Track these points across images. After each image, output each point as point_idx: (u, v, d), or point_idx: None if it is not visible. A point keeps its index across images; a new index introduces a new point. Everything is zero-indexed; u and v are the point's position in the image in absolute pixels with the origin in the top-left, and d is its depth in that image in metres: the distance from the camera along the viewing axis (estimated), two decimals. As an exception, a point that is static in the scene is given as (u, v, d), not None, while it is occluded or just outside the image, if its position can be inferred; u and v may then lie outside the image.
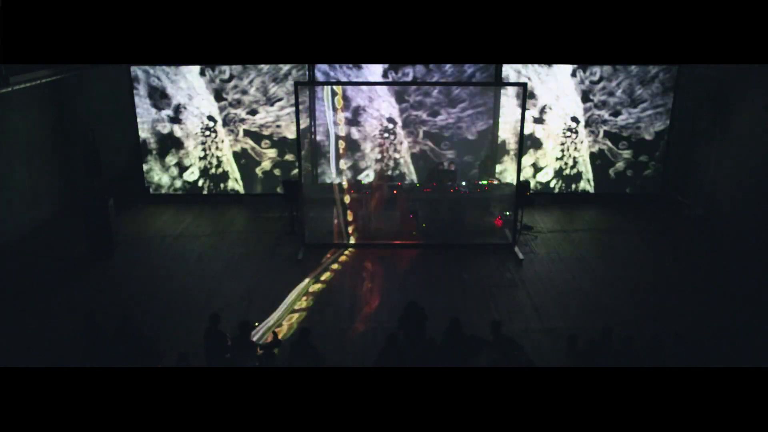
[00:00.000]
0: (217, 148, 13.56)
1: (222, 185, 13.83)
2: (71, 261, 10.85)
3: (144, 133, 13.43)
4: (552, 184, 13.90)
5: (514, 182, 11.43)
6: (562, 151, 13.65)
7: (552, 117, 13.43)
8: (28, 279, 10.12)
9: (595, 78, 13.17)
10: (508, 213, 12.05)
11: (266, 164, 13.68)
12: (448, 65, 12.97)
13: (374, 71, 13.07)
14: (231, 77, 13.09)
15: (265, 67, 13.04)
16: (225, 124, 13.38)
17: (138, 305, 9.09)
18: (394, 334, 8.08)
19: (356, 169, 13.58)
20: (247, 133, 13.48)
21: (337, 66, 12.96)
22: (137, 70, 13.09)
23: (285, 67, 13.05)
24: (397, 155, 13.51)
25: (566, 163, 13.74)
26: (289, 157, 13.50)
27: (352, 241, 11.74)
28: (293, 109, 12.47)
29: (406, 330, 8.42)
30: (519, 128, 11.07)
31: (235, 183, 13.81)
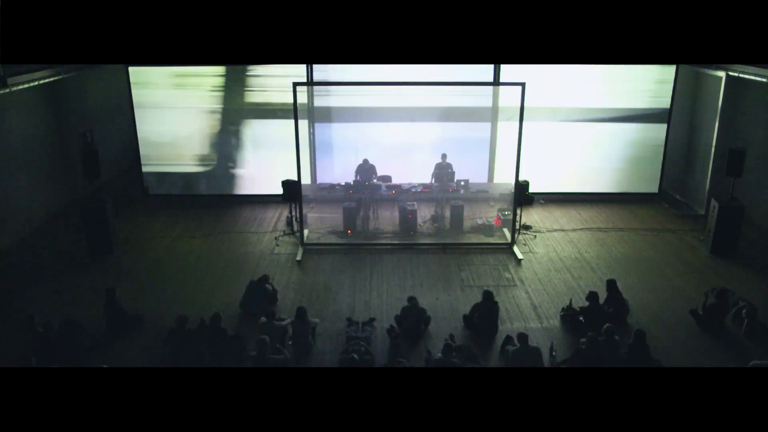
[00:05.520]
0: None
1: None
2: (70, 262, 10.83)
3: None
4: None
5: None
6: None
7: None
8: (26, 280, 10.11)
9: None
10: (507, 212, 12.07)
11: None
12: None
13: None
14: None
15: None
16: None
17: (137, 306, 9.08)
18: (394, 336, 8.11)
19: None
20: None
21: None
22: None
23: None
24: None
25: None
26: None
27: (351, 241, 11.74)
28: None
29: (405, 330, 8.44)
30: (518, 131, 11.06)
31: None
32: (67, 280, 10.18)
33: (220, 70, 13.01)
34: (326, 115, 13.36)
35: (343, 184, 12.28)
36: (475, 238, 11.79)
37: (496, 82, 13.08)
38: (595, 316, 8.39)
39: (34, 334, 7.80)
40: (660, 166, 13.69)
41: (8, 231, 11.19)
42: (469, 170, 12.86)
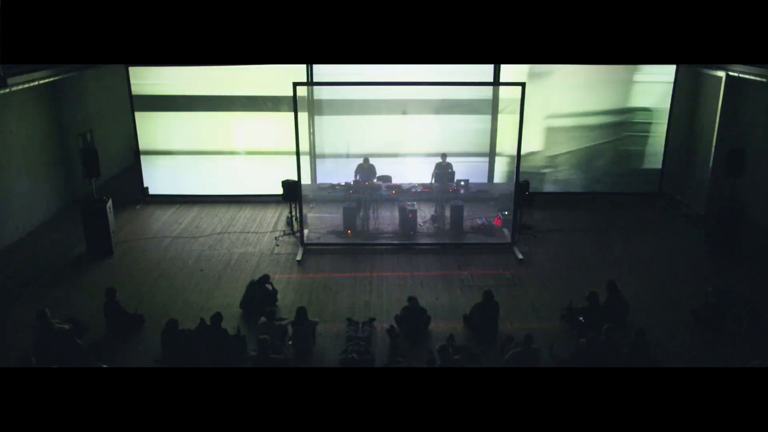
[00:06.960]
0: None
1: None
2: (70, 262, 10.83)
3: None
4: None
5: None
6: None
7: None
8: (26, 280, 10.10)
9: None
10: (507, 213, 12.07)
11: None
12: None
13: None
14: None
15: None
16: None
17: (137, 306, 9.07)
18: (394, 336, 8.11)
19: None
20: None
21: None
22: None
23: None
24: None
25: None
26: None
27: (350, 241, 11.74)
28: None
29: (405, 330, 8.44)
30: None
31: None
32: (67, 280, 10.18)
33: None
34: (321, 110, 13.36)
35: (343, 184, 12.28)
36: (475, 238, 11.79)
37: (496, 82, 13.08)
38: (595, 316, 8.40)
39: (47, 329, 7.80)
40: (660, 166, 13.70)
41: (8, 231, 11.19)
42: (469, 170, 12.90)
